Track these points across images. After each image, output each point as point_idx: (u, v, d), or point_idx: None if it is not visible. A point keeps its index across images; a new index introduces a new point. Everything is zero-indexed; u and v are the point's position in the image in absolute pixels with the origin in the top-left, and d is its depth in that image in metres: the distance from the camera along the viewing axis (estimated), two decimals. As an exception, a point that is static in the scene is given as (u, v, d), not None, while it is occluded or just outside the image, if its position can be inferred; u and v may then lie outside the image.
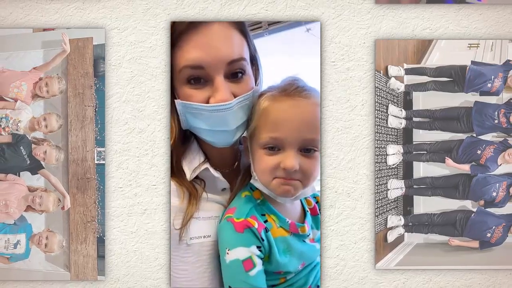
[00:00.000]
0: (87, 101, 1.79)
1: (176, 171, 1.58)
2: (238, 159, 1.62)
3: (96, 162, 1.79)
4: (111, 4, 1.79)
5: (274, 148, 1.43)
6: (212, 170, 1.54)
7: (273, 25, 1.74)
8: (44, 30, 1.80)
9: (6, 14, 1.80)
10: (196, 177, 1.55)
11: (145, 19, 1.78)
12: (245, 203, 1.46)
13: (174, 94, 1.58)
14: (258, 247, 1.40)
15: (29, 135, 1.80)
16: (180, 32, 1.52)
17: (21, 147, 1.80)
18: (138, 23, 1.78)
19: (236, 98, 1.47)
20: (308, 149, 1.43)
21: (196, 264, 1.52)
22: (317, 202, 1.64)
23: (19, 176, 1.81)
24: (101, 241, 1.79)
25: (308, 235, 1.53)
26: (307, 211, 1.59)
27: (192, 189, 1.52)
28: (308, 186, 1.48)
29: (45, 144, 1.79)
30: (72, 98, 1.79)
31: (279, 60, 1.67)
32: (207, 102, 1.49)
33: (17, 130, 1.80)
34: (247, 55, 1.51)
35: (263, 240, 1.41)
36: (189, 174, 1.53)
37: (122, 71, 1.79)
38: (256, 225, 1.41)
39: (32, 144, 1.80)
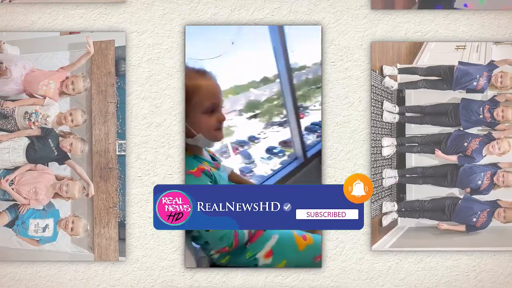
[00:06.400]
0: (109, 98, 1.84)
1: None
2: None
3: (117, 153, 1.84)
4: (131, 10, 1.84)
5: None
6: None
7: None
8: (70, 33, 1.84)
9: (36, 19, 1.84)
10: None
11: (162, 24, 1.84)
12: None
13: None
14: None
15: (57, 129, 1.85)
16: None
17: (49, 140, 1.84)
18: (156, 27, 1.84)
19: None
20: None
21: None
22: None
23: (47, 166, 1.85)
24: (122, 225, 1.84)
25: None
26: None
27: None
28: None
29: (71, 137, 1.84)
30: (96, 95, 1.84)
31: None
32: None
33: (45, 124, 1.84)
34: None
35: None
36: None
37: (141, 71, 1.85)
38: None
39: (59, 137, 1.85)
